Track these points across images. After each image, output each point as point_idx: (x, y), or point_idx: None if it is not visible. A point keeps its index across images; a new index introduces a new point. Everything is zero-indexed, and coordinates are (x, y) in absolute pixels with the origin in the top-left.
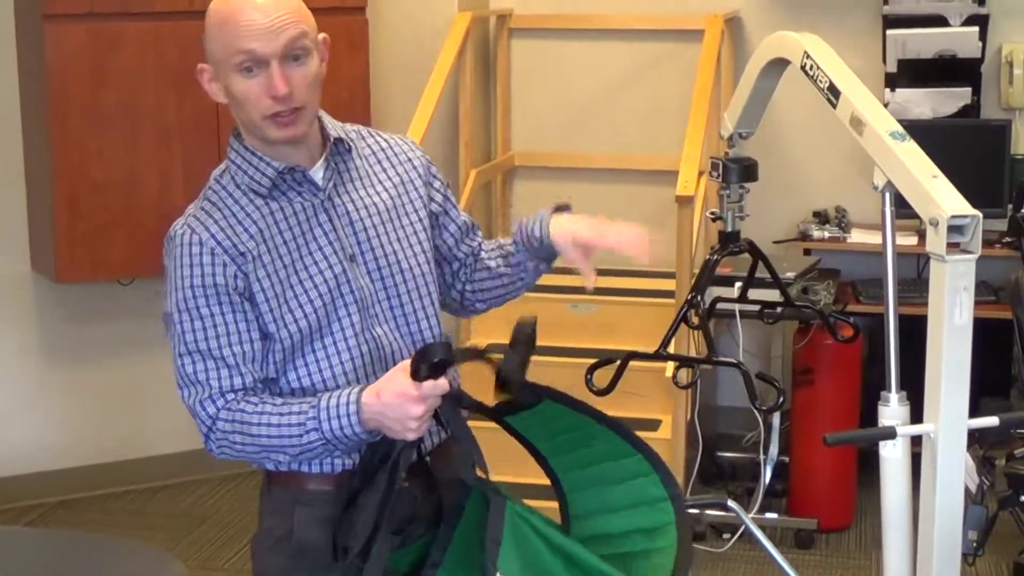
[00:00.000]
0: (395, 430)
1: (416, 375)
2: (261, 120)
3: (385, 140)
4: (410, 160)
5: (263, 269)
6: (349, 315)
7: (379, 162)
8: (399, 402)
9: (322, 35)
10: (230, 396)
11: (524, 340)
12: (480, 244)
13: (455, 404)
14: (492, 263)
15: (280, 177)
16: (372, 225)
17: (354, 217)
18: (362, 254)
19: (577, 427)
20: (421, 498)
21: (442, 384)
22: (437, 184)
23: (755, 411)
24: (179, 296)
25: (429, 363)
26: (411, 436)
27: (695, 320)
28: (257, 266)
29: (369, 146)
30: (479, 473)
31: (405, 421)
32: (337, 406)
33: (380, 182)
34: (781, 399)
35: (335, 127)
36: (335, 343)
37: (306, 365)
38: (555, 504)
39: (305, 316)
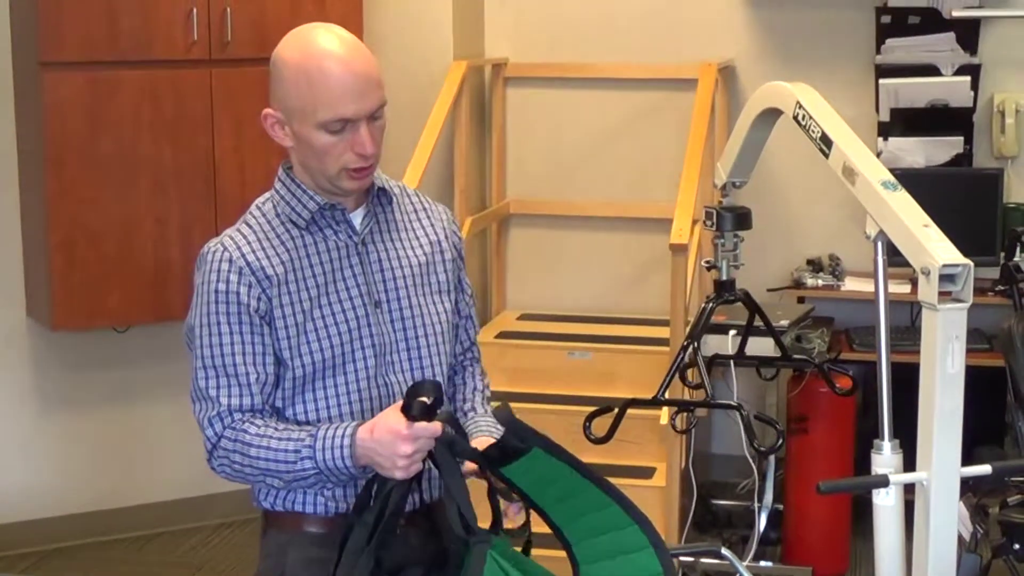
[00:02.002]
0: (384, 467)
1: (408, 412)
2: (338, 172)
3: (427, 202)
4: (444, 226)
5: (287, 296)
6: (365, 358)
7: (418, 219)
8: (390, 439)
9: None
10: (237, 416)
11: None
12: (465, 357)
13: (447, 449)
14: (458, 396)
15: (320, 212)
16: (402, 276)
17: (385, 266)
18: (388, 302)
19: (578, 491)
20: (420, 543)
21: (433, 427)
22: (458, 256)
23: (750, 457)
24: (202, 311)
25: (418, 399)
26: (399, 475)
27: (693, 379)
28: (282, 292)
29: (412, 203)
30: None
31: (394, 459)
32: (333, 437)
33: (416, 238)
34: (780, 441)
35: (380, 177)
36: (347, 383)
37: (315, 400)
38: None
39: (321, 350)
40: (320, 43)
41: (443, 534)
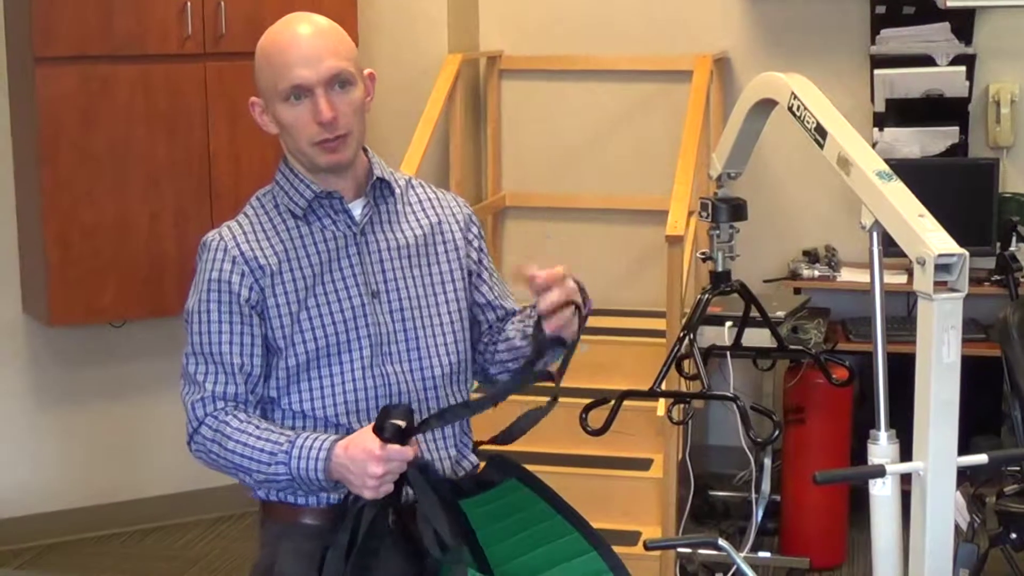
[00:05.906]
0: (355, 485)
1: (380, 433)
2: (309, 147)
3: (434, 192)
4: (452, 213)
5: (281, 287)
6: (361, 348)
7: (422, 209)
8: (362, 458)
9: (368, 70)
10: (220, 404)
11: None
12: (508, 313)
13: (420, 473)
14: (511, 333)
15: (317, 201)
16: (400, 266)
17: (384, 256)
18: (386, 292)
19: (538, 519)
20: (399, 558)
21: (405, 451)
22: (472, 238)
23: (747, 448)
24: (197, 298)
25: (392, 421)
26: (368, 494)
27: (689, 371)
28: (275, 282)
29: (416, 194)
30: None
31: (364, 478)
32: (310, 448)
33: (417, 222)
34: (777, 432)
35: (384, 170)
36: (342, 373)
37: (310, 390)
38: None
39: (315, 339)
40: (285, 24)
41: (418, 550)
